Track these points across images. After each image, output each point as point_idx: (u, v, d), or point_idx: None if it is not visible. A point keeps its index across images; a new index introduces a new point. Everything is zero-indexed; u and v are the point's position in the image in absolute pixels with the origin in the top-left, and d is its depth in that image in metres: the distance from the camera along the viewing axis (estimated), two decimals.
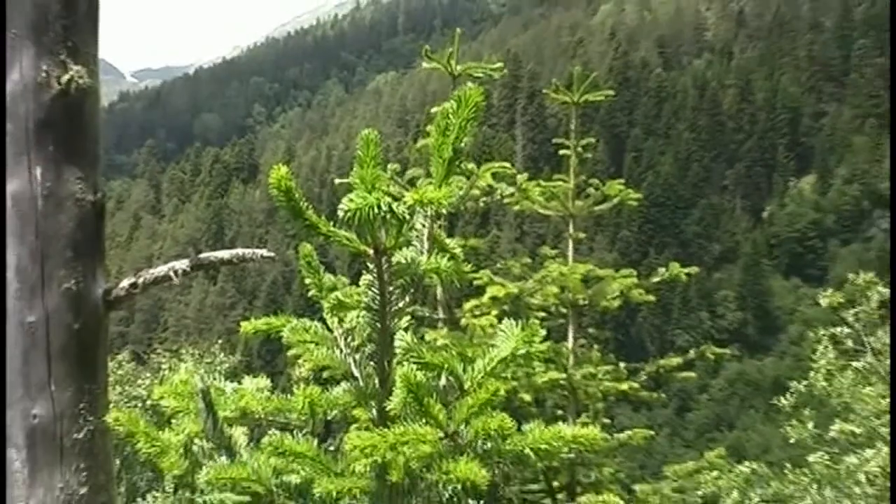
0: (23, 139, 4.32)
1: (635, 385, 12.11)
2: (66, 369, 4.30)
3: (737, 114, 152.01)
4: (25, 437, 4.27)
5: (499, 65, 13.28)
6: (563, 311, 12.50)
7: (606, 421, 12.50)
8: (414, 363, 2.95)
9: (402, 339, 3.08)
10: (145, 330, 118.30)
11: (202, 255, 4.59)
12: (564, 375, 11.79)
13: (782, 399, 15.63)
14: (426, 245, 3.19)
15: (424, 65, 13.31)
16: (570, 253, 12.93)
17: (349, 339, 3.31)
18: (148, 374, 19.13)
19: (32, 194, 4.30)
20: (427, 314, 12.34)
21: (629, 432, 11.76)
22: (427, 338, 10.24)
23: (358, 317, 3.26)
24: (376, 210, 2.80)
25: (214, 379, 3.36)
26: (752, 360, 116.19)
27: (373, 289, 3.11)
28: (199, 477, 3.04)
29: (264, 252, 4.67)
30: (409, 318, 3.22)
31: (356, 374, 3.27)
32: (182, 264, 4.52)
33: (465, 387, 3.01)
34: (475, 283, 12.27)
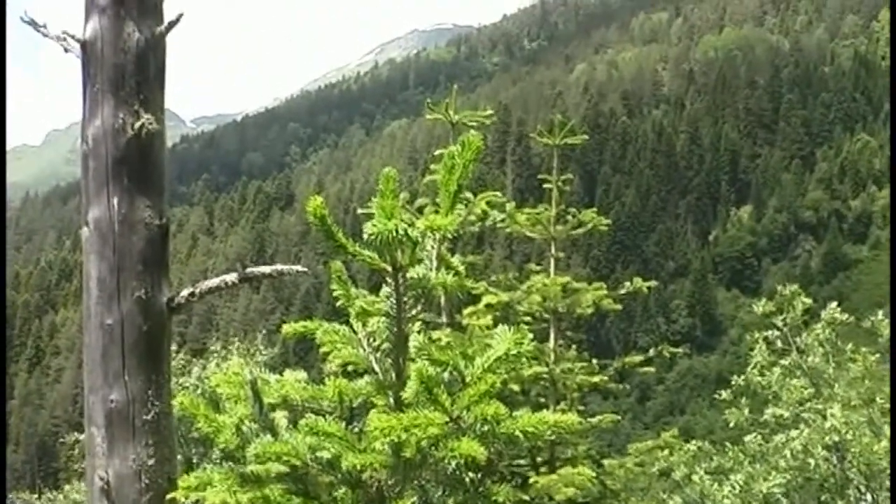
0: (103, 174, 4.33)
1: (604, 378, 12.05)
2: (138, 362, 4.30)
3: (688, 154, 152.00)
4: (104, 417, 4.27)
5: (488, 113, 13.25)
6: (546, 316, 12.43)
7: (581, 408, 12.41)
8: (425, 360, 2.95)
9: (414, 340, 3.08)
10: (201, 330, 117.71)
11: (248, 270, 4.59)
12: (547, 370, 11.74)
13: (723, 393, 15.58)
14: (434, 262, 3.19)
15: (428, 116, 13.30)
16: (552, 269, 12.87)
17: (371, 339, 3.31)
18: (198, 367, 18.96)
19: (111, 219, 4.31)
20: (433, 318, 12.29)
21: (599, 417, 11.70)
22: (433, 338, 10.20)
23: (378, 321, 3.26)
24: (395, 234, 2.81)
25: (260, 371, 3.36)
26: (700, 358, 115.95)
27: (391, 299, 3.11)
28: (249, 451, 3.04)
29: (299, 267, 4.67)
30: (419, 322, 3.22)
31: (376, 368, 3.27)
32: (231, 277, 4.52)
33: (467, 380, 3.01)
34: (473, 292, 12.21)
